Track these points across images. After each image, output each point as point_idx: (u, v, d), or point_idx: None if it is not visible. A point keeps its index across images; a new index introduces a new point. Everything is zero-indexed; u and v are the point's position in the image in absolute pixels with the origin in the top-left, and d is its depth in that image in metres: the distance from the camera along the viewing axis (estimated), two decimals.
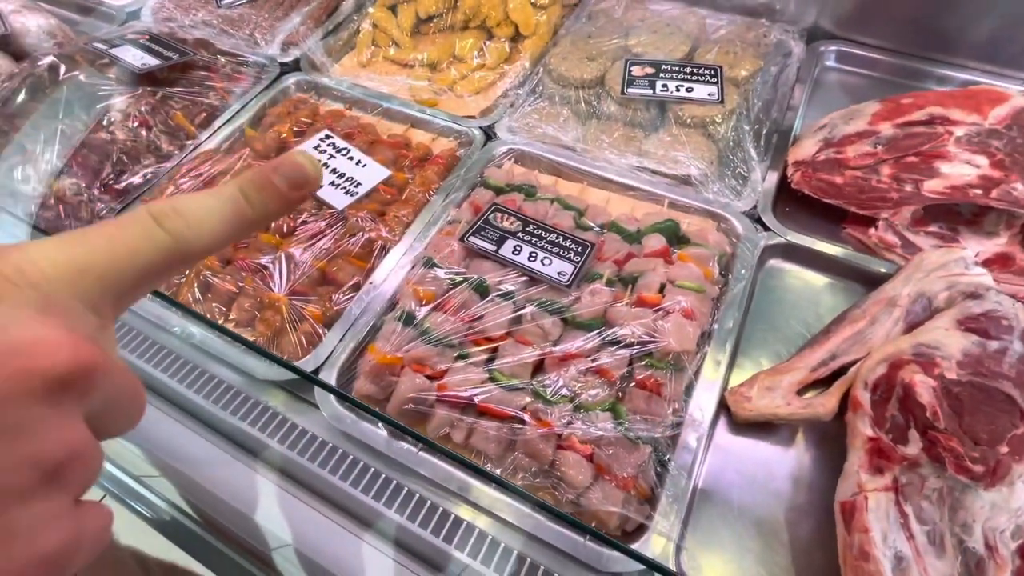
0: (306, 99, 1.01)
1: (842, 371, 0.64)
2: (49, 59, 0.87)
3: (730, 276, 0.73)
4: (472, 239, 0.72)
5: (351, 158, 0.86)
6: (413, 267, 0.75)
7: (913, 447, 0.55)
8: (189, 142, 0.91)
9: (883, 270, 0.73)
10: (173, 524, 0.70)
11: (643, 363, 0.62)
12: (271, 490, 0.62)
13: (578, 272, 0.68)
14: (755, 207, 0.80)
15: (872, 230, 0.77)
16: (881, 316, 0.67)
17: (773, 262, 0.78)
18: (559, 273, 0.69)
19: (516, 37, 1.07)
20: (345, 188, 0.83)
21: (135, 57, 0.92)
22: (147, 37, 0.98)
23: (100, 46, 0.93)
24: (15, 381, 0.17)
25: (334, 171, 0.85)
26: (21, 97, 0.86)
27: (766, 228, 0.78)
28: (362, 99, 0.99)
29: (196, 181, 0.85)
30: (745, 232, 0.77)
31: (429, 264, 0.71)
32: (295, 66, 1.04)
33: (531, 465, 0.59)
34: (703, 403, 0.63)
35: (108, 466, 0.79)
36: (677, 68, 0.91)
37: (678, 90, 0.88)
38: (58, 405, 0.18)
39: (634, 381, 0.61)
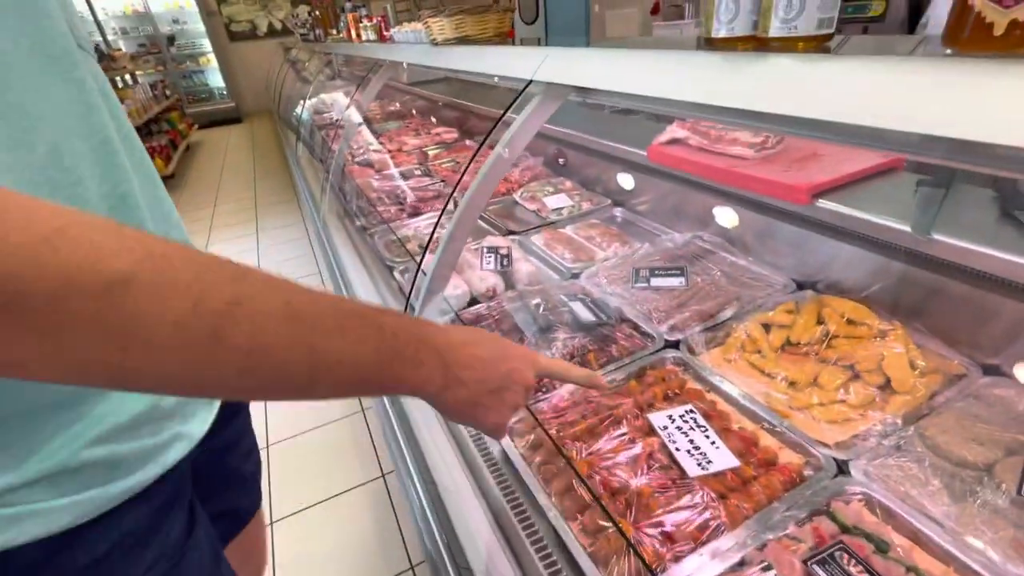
0: (676, 371, 1.28)
1: None
2: (536, 299, 1.40)
3: None
4: (815, 567, 0.76)
5: (707, 436, 1.04)
6: (742, 563, 0.82)
7: None
8: None
9: None
10: None
11: None
12: None
13: None
14: None
15: None
16: None
17: None
18: None
19: (885, 387, 1.15)
20: (697, 460, 1.00)
21: (581, 311, 1.37)
22: (589, 298, 1.46)
23: (562, 297, 1.43)
24: (526, 386, 0.69)
25: (691, 441, 1.04)
26: (514, 316, 1.39)
27: None
28: (722, 389, 1.20)
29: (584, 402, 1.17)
30: None
31: (767, 569, 0.78)
32: (675, 344, 1.35)
33: None
34: None
35: None
36: None
37: None
38: (528, 391, 0.69)
39: None
